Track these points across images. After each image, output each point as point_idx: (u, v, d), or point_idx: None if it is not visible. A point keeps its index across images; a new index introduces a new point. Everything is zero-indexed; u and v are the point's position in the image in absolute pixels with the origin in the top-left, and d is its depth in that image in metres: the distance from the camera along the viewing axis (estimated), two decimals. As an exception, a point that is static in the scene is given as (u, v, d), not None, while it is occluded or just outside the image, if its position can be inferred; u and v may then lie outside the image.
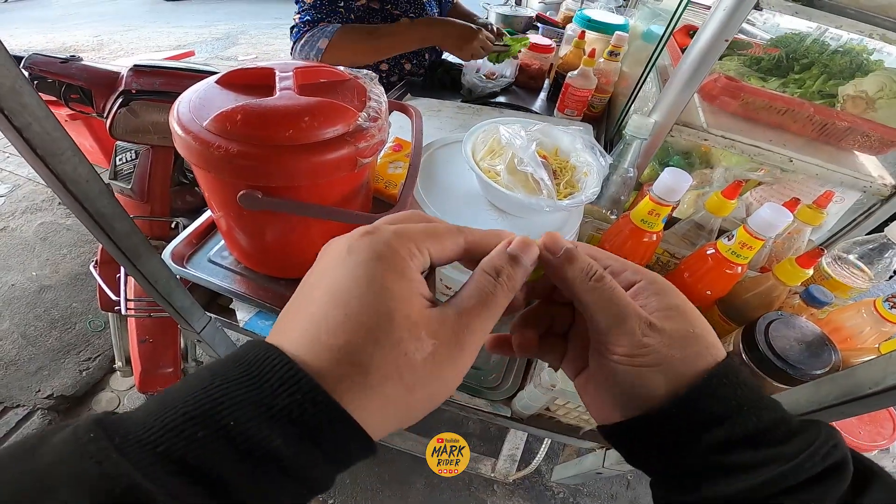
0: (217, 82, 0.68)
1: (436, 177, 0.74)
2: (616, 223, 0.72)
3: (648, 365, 0.25)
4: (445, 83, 1.50)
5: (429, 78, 1.53)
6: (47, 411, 1.53)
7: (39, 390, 1.57)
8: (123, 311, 0.97)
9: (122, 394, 1.62)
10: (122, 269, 1.09)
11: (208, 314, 0.71)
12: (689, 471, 0.24)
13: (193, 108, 0.62)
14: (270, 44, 4.53)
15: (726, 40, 0.66)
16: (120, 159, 1.16)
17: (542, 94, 1.56)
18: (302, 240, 0.72)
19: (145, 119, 1.03)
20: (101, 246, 1.16)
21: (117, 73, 1.03)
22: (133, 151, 1.13)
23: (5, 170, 2.33)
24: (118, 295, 1.03)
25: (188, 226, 1.04)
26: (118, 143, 1.16)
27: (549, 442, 1.00)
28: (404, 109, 0.81)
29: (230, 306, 0.81)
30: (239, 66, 0.71)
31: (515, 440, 1.23)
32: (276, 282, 0.78)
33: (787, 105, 0.86)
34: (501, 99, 1.49)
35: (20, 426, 1.49)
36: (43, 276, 1.85)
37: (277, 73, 0.68)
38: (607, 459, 0.65)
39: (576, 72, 1.25)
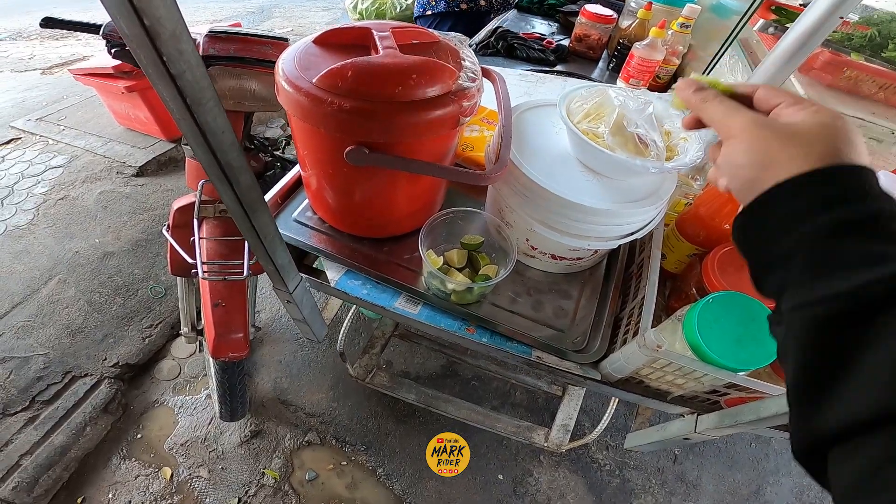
0: (314, 42, 0.69)
1: (525, 139, 0.74)
2: (714, 188, 0.71)
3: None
4: (500, 51, 1.49)
5: (483, 45, 1.52)
6: (114, 380, 1.59)
7: (106, 358, 1.63)
8: (200, 274, 0.99)
9: (183, 361, 1.69)
10: (197, 232, 1.11)
11: (301, 274, 0.73)
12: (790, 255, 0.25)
13: (300, 66, 0.63)
14: (305, 17, 4.50)
15: (841, 17, 0.64)
16: (192, 125, 1.17)
17: (601, 64, 1.53)
18: (391, 199, 0.74)
19: (222, 84, 1.04)
20: (174, 209, 1.19)
21: (193, 40, 1.04)
22: (208, 115, 1.15)
23: (62, 142, 2.40)
24: (193, 258, 1.05)
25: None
26: (193, 103, 1.17)
27: (613, 411, 1.00)
28: (487, 74, 0.81)
29: (314, 265, 0.83)
30: (334, 27, 0.71)
31: (569, 410, 1.24)
32: (361, 241, 0.80)
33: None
34: (560, 67, 1.46)
35: (88, 396, 1.56)
36: (105, 243, 1.92)
37: (375, 32, 0.68)
38: (700, 424, 0.65)
39: (644, 42, 1.22)
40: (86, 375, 1.58)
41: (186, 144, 1.19)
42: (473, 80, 0.67)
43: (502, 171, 0.63)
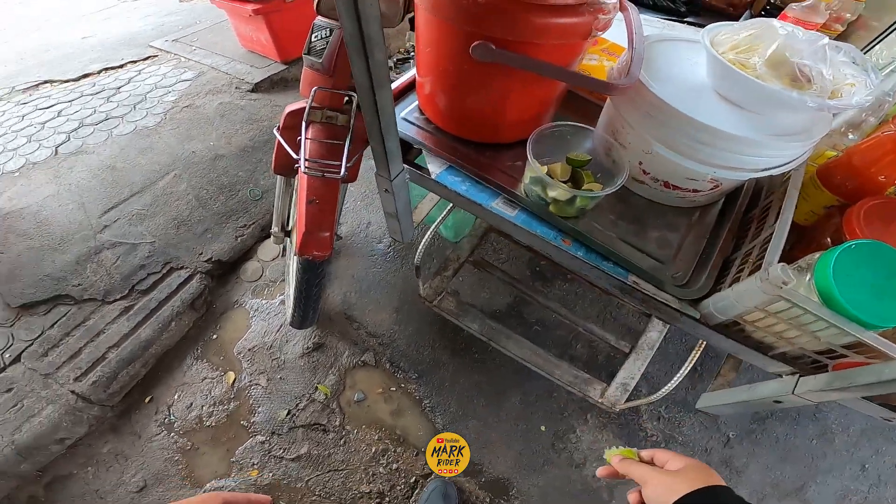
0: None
1: (655, 65, 0.69)
2: (877, 138, 0.63)
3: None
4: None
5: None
6: (204, 275, 1.72)
7: (202, 253, 1.76)
8: (302, 168, 1.05)
9: (266, 264, 1.81)
10: (304, 133, 1.17)
11: (404, 164, 0.75)
12: None
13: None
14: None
15: None
16: (315, 36, 1.21)
17: (742, 22, 1.37)
18: (504, 104, 0.73)
19: (345, -1, 1.06)
20: (286, 112, 1.26)
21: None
22: (328, 30, 1.18)
23: (192, 59, 2.67)
24: (298, 154, 1.11)
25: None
26: (317, 20, 1.21)
27: (686, 372, 0.93)
28: (620, 5, 0.76)
29: (416, 161, 0.85)
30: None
31: (633, 369, 1.18)
32: (465, 143, 0.80)
33: None
34: (691, 19, 1.34)
35: (179, 290, 1.67)
36: (218, 147, 2.10)
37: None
38: (801, 385, 0.59)
39: (804, 3, 1.08)
40: (182, 268, 1.72)
41: (308, 54, 1.23)
42: (609, 0, 0.64)
43: (632, 84, 0.60)
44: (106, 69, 2.67)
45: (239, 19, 2.43)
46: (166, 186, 1.95)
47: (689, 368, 0.80)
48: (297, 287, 1.39)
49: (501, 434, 1.42)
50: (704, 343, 0.81)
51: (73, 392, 1.47)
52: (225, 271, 1.79)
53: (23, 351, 1.53)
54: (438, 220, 1.10)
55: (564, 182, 0.70)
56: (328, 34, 1.22)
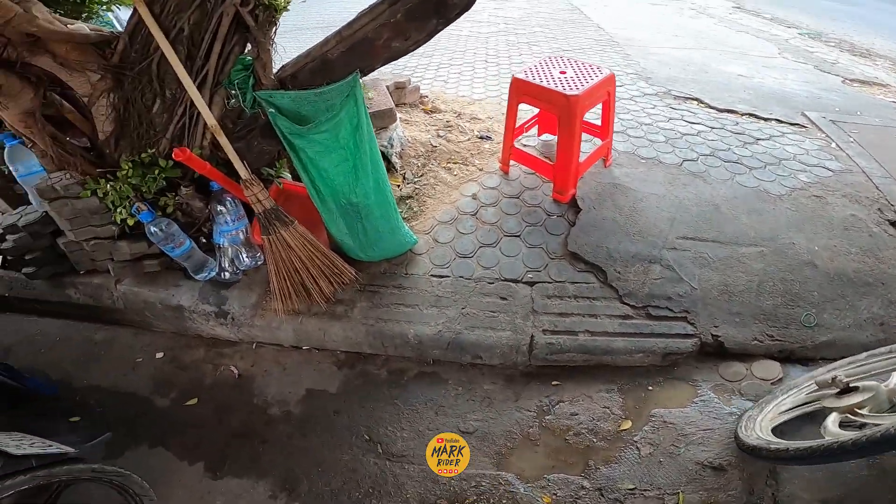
0: None
1: None
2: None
3: None
4: None
5: None
6: (699, 345, 1.71)
7: (717, 327, 1.72)
8: None
9: (750, 377, 1.67)
10: None
11: None
12: None
13: None
14: None
15: None
16: None
17: None
18: None
19: None
20: None
21: None
22: None
23: (843, 151, 2.43)
24: None
25: None
26: None
27: None
28: None
29: None
30: None
31: None
32: None
33: None
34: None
35: (674, 337, 1.72)
36: (818, 255, 1.90)
37: None
38: None
39: None
40: (692, 324, 1.75)
41: None
42: None
43: None
44: (752, 115, 2.81)
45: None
46: (745, 255, 1.96)
47: None
48: (827, 446, 1.19)
49: None
50: None
51: (531, 336, 1.72)
52: (714, 353, 1.75)
53: (541, 282, 1.89)
54: None
55: None
56: None
